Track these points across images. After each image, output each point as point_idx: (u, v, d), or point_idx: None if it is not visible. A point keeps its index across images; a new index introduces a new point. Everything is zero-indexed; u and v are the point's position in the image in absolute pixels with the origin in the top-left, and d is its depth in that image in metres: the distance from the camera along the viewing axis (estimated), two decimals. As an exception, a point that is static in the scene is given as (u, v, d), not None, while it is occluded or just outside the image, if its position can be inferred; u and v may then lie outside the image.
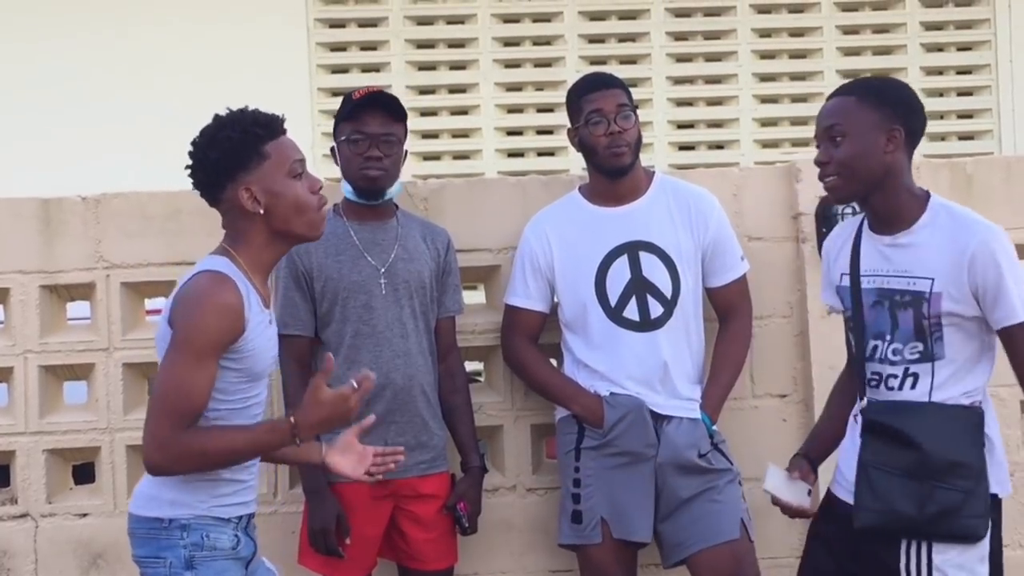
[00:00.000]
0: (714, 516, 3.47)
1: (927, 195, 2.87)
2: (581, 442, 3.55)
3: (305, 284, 3.47)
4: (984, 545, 2.74)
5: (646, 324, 3.53)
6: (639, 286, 3.54)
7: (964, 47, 7.79)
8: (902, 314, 2.79)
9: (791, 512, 3.05)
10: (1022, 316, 2.70)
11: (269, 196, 2.66)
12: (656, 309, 3.53)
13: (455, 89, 7.54)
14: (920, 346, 2.78)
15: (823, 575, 2.98)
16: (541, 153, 7.50)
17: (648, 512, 3.51)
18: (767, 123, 7.64)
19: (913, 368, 2.80)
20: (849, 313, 2.92)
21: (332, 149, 3.57)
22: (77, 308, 4.01)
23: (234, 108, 2.75)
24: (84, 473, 3.97)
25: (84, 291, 3.90)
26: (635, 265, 3.55)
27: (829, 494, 3.04)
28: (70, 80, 7.02)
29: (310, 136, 7.08)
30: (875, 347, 2.86)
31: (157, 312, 3.99)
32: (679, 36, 7.65)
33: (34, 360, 3.85)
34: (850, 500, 2.86)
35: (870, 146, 2.78)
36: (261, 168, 2.67)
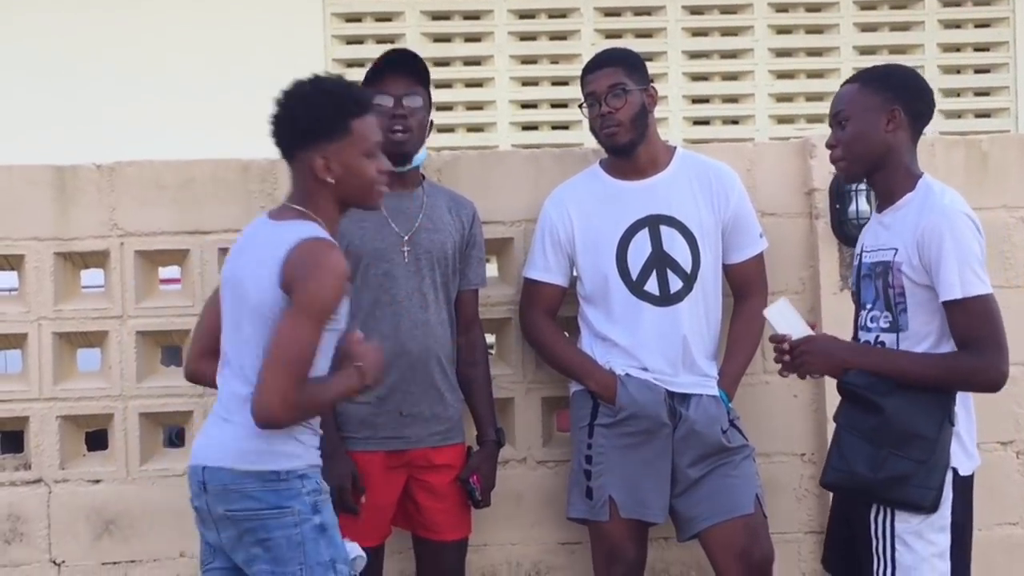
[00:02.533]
0: (729, 491, 3.48)
1: (920, 176, 3.01)
2: (595, 418, 3.55)
3: None
4: (943, 517, 2.86)
5: (666, 298, 3.54)
6: (659, 260, 3.54)
7: (982, 24, 7.75)
8: (878, 284, 2.97)
9: (778, 345, 3.05)
10: (957, 294, 2.84)
11: (343, 169, 2.78)
12: (676, 284, 3.54)
13: (470, 61, 7.54)
14: (889, 316, 2.95)
15: (836, 537, 3.14)
16: (555, 127, 7.50)
17: (664, 492, 3.51)
18: (782, 98, 7.63)
19: (882, 337, 2.98)
20: (853, 287, 3.12)
21: None
22: (91, 276, 4.02)
23: (332, 75, 2.89)
24: (97, 440, 3.99)
25: (98, 259, 3.91)
26: (656, 239, 3.55)
27: None
28: (86, 52, 7.03)
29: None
30: (861, 316, 3.08)
31: (171, 281, 4.03)
32: (695, 10, 7.64)
33: (48, 327, 3.86)
34: None
35: (871, 126, 2.97)
36: (343, 142, 2.77)
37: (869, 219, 3.30)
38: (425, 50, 7.36)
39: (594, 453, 3.55)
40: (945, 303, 2.86)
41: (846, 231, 3.88)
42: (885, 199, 3.03)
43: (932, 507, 2.83)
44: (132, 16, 7.11)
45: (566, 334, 3.76)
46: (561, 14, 7.55)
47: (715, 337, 3.64)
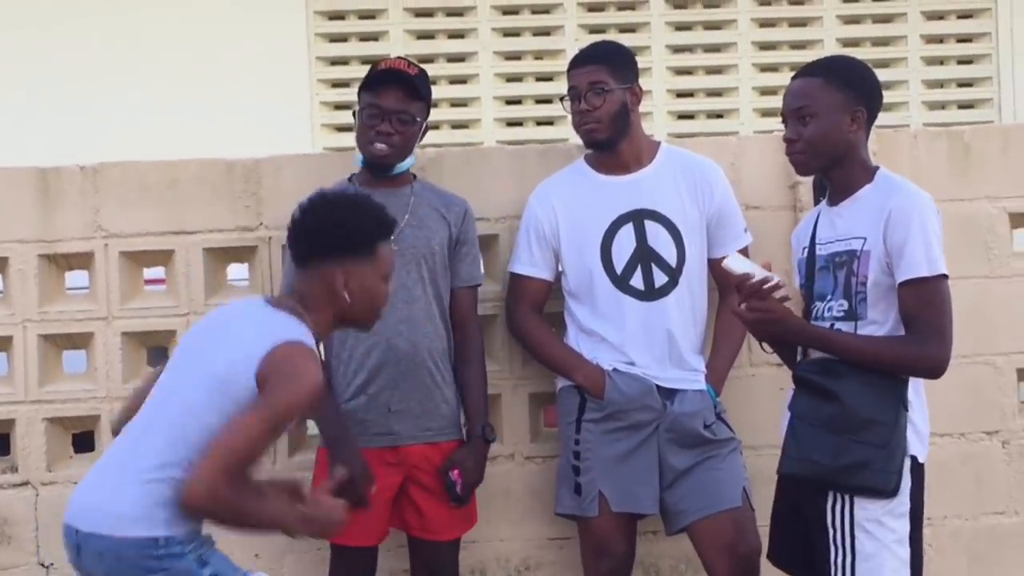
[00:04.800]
0: (716, 484, 3.49)
1: (876, 169, 3.04)
2: (583, 413, 3.56)
3: None
4: (903, 503, 2.88)
5: (651, 293, 3.55)
6: (644, 255, 3.55)
7: (965, 15, 7.76)
8: (840, 274, 2.96)
9: (742, 286, 2.97)
10: (923, 271, 2.85)
11: (360, 290, 2.77)
12: (661, 278, 3.54)
13: (454, 58, 7.53)
14: (846, 304, 2.94)
15: (785, 529, 3.11)
16: (540, 123, 7.49)
17: (653, 484, 3.52)
18: (767, 92, 7.62)
19: (837, 325, 2.96)
20: (803, 281, 3.08)
21: (354, 113, 3.54)
22: (76, 278, 4.01)
23: (362, 194, 2.91)
24: (84, 442, 3.99)
25: (83, 260, 3.90)
26: (640, 234, 3.55)
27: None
28: (68, 52, 7.01)
29: (308, 107, 7.08)
30: (816, 308, 3.04)
31: (155, 281, 4.02)
32: (679, 4, 7.63)
33: (33, 329, 3.86)
34: None
35: (835, 126, 2.97)
36: (366, 263, 2.77)
37: (808, 213, 3.29)
38: (409, 47, 7.36)
39: (582, 448, 3.56)
40: (903, 283, 2.87)
41: (830, 224, 3.89)
42: (841, 192, 3.03)
43: (893, 491, 2.84)
44: (114, 15, 7.08)
45: (553, 329, 3.77)
46: (544, 10, 7.54)
47: (701, 331, 3.65)
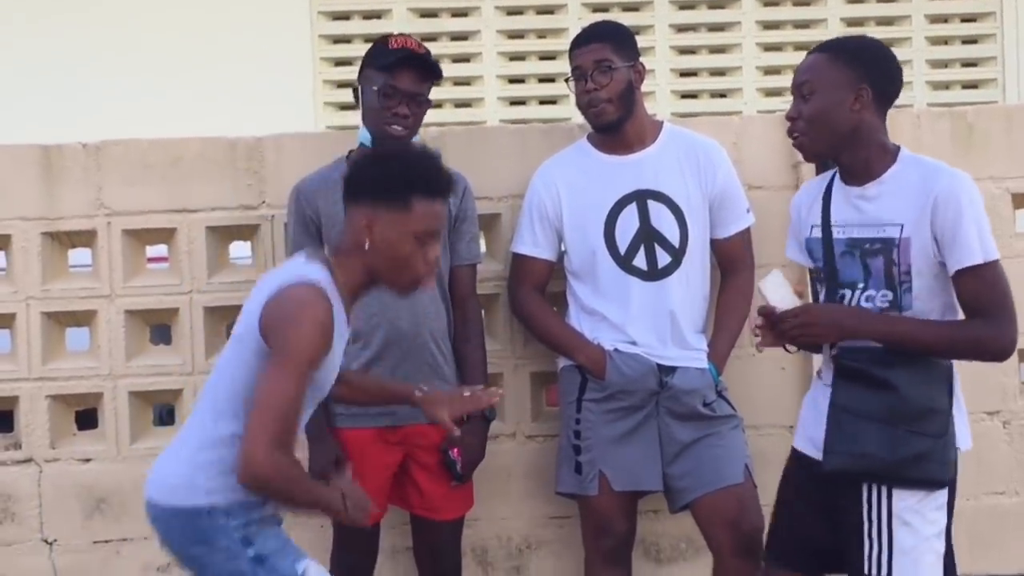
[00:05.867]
0: (718, 461, 3.50)
1: (898, 149, 2.90)
2: (584, 393, 3.56)
3: (313, 229, 3.45)
4: (942, 495, 2.79)
5: (654, 273, 3.54)
6: (647, 235, 3.54)
7: (969, -6, 7.75)
8: (873, 262, 2.83)
9: (767, 315, 2.93)
10: (978, 258, 2.73)
11: (383, 240, 2.66)
12: (664, 258, 3.54)
13: (457, 37, 7.51)
14: (890, 295, 2.81)
15: (797, 519, 3.01)
16: (543, 101, 7.48)
17: (655, 461, 3.53)
18: (770, 72, 7.62)
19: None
20: (820, 263, 2.94)
21: (354, 90, 3.52)
22: (78, 255, 4.02)
23: (429, 149, 2.76)
24: (87, 419, 4.00)
25: (85, 238, 3.91)
26: (643, 214, 3.55)
27: (793, 452, 3.07)
28: (74, 31, 7.00)
29: (311, 84, 7.06)
30: (843, 296, 2.89)
31: (158, 260, 4.03)
32: (682, -17, 7.62)
33: (36, 306, 3.87)
34: (814, 454, 2.90)
35: (837, 103, 2.82)
36: (396, 215, 2.65)
37: (809, 183, 3.14)
38: (412, 25, 7.34)
39: (583, 428, 3.56)
40: (960, 270, 2.74)
41: (833, 204, 3.89)
42: (861, 174, 2.87)
43: (947, 482, 2.75)
44: (119, 10, 7.08)
45: (555, 309, 3.77)
46: (548, -12, 7.54)
47: (703, 311, 3.65)
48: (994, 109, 5.15)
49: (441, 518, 3.53)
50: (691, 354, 3.57)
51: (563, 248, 3.66)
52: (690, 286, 3.58)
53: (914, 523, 2.75)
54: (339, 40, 7.27)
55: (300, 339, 2.55)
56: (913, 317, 2.80)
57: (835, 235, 2.89)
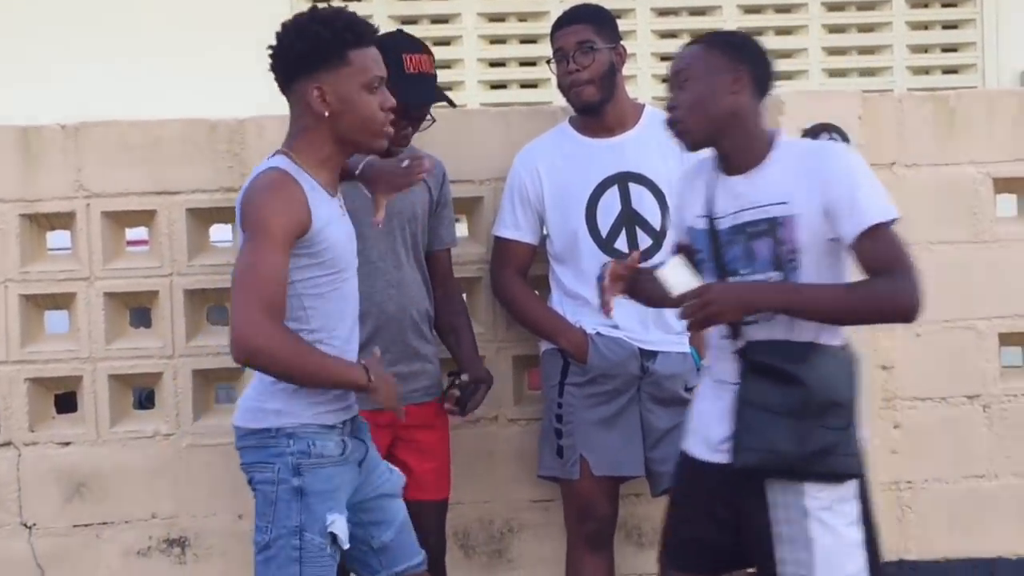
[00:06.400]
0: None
1: (774, 134, 2.85)
2: (566, 377, 3.56)
3: None
4: (851, 486, 2.75)
5: None
6: (629, 218, 3.54)
7: (950, -21, 7.76)
8: (757, 244, 2.77)
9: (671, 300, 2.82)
10: (878, 217, 2.66)
11: (339, 101, 2.69)
12: (645, 241, 3.54)
13: (437, 20, 7.48)
14: (777, 276, 2.76)
15: (696, 531, 2.92)
16: (524, 85, 7.46)
17: (637, 446, 3.53)
18: (751, 56, 7.61)
19: None
20: (704, 254, 2.88)
21: None
22: (58, 237, 3.99)
23: (334, 7, 2.76)
24: (66, 402, 3.98)
25: (65, 220, 3.88)
26: (625, 197, 3.54)
27: (683, 458, 2.98)
28: (51, 10, 6.95)
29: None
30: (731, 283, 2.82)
31: (138, 243, 4.00)
32: (664, -33, 7.61)
33: (15, 289, 3.84)
34: (706, 456, 2.85)
35: (714, 87, 2.76)
36: (339, 72, 2.68)
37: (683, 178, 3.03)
38: (392, 8, 7.32)
39: (564, 412, 3.56)
40: (861, 234, 2.65)
41: (815, 187, 3.89)
42: (741, 163, 2.80)
43: (859, 473, 2.73)
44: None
45: (537, 293, 3.76)
46: (529, -29, 7.52)
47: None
48: (976, 93, 5.16)
49: (429, 498, 3.50)
50: (673, 338, 3.56)
51: (545, 231, 3.66)
52: (672, 269, 3.58)
53: (829, 520, 2.72)
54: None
55: (265, 214, 2.61)
56: (814, 283, 2.74)
57: (719, 226, 2.83)
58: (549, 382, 3.62)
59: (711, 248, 2.85)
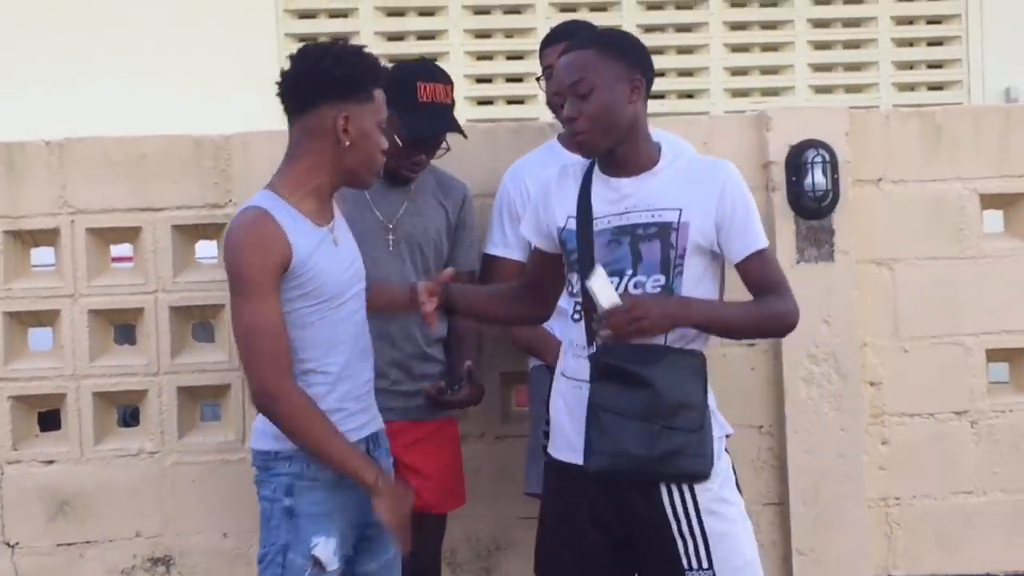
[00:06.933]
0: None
1: (660, 145, 2.87)
2: (553, 393, 3.55)
3: None
4: (730, 476, 2.81)
5: None
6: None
7: (935, -4, 7.79)
8: (646, 247, 2.77)
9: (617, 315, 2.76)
10: (763, 243, 2.78)
11: (358, 133, 2.72)
12: None
13: (424, 36, 7.48)
14: (662, 279, 2.76)
15: (575, 538, 2.87)
16: (511, 101, 7.46)
17: None
18: (737, 72, 7.63)
19: None
20: (574, 255, 2.83)
21: None
22: (42, 254, 3.96)
23: (354, 44, 2.81)
24: (50, 420, 3.95)
25: (49, 237, 3.86)
26: None
27: (549, 464, 2.96)
28: (36, 30, 6.94)
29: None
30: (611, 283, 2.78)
31: (123, 259, 3.98)
32: (650, -16, 7.62)
33: (-2, 306, 3.82)
34: (572, 458, 2.81)
35: (616, 97, 2.76)
36: (364, 106, 2.73)
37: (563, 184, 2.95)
38: (380, 24, 7.31)
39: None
40: (750, 255, 2.75)
41: (803, 204, 3.90)
42: (629, 167, 2.81)
43: (707, 475, 2.73)
44: (83, 7, 7.02)
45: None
46: (515, -12, 7.52)
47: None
48: (962, 110, 5.18)
49: (428, 511, 3.44)
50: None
51: (534, 248, 3.64)
52: (660, 285, 3.57)
53: (720, 510, 2.75)
54: (305, 39, 7.21)
55: (241, 265, 2.66)
56: (726, 302, 2.85)
57: (599, 227, 2.81)
58: (538, 398, 3.60)
59: (581, 248, 2.82)
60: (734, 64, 7.62)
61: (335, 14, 7.39)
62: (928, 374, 4.01)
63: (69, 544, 3.83)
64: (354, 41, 3.05)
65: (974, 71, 7.66)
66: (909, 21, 7.78)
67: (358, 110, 2.72)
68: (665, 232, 2.76)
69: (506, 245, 3.64)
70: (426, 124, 3.39)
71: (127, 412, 4.36)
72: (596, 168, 2.87)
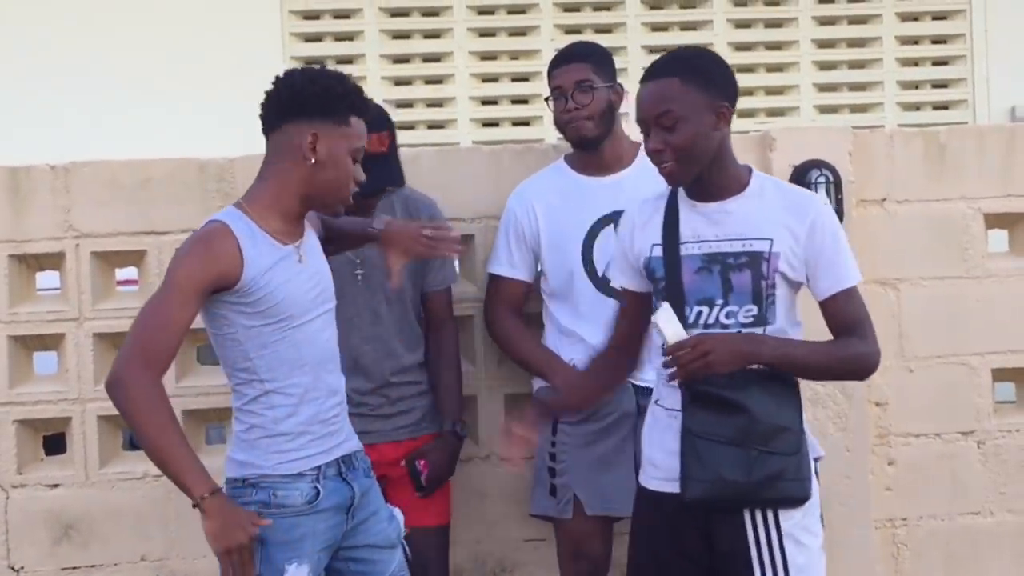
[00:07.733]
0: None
1: (749, 167, 2.87)
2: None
3: None
4: (815, 505, 2.77)
5: None
6: None
7: (939, 16, 7.80)
8: (737, 276, 2.74)
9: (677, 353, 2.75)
10: (854, 280, 2.76)
11: (327, 155, 2.71)
12: None
13: (429, 58, 7.51)
14: (755, 309, 2.74)
15: (665, 567, 2.85)
16: (516, 123, 7.48)
17: (631, 486, 3.49)
18: (743, 93, 7.62)
19: (746, 331, 2.74)
20: (663, 283, 2.80)
21: None
22: (47, 278, 3.97)
23: (340, 72, 2.81)
24: (55, 444, 3.95)
25: (54, 260, 3.87)
26: None
27: (640, 492, 2.94)
28: (38, 52, 6.97)
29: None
30: (699, 313, 2.77)
31: (128, 282, 3.99)
32: (654, 5, 7.64)
33: (3, 330, 3.81)
34: (665, 487, 2.80)
35: (703, 127, 2.73)
36: (337, 130, 2.71)
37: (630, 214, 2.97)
38: (384, 47, 7.34)
39: (558, 451, 3.54)
40: (837, 292, 2.74)
41: (806, 224, 3.89)
42: (716, 192, 2.78)
43: (808, 497, 2.72)
44: (86, 14, 7.04)
45: (531, 330, 3.75)
46: (520, 10, 7.54)
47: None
48: (966, 129, 5.18)
49: (424, 523, 3.43)
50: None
51: (540, 269, 3.65)
52: (666, 307, 3.57)
53: (803, 539, 2.73)
54: (311, 62, 7.24)
55: (176, 266, 2.67)
56: (801, 340, 2.79)
57: (687, 251, 2.78)
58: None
59: (669, 275, 2.79)
60: (740, 85, 7.63)
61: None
62: (934, 394, 3.99)
63: (74, 568, 3.82)
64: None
65: (979, 90, 7.68)
66: (914, 41, 7.81)
67: (329, 131, 2.70)
68: (756, 262, 2.74)
69: (512, 265, 3.64)
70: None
71: (132, 436, 4.36)
72: (681, 192, 2.85)
